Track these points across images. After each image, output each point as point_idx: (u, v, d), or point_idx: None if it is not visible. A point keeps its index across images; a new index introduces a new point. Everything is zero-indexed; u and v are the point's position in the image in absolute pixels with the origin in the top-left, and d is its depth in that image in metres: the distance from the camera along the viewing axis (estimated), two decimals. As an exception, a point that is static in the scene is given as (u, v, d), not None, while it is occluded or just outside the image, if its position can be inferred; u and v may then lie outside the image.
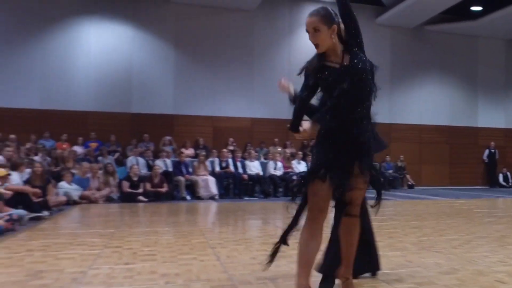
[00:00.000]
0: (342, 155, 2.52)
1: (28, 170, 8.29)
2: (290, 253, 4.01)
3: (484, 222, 6.69)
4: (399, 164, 15.62)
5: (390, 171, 15.26)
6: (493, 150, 16.77)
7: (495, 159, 16.76)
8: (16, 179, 7.53)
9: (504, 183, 16.58)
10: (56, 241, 4.84)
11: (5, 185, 6.65)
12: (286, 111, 15.39)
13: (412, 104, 16.52)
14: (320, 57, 2.63)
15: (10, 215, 5.85)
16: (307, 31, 2.58)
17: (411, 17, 15.55)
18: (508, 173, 16.85)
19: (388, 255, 4.01)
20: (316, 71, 2.61)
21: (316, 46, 2.59)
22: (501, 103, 17.57)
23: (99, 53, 13.85)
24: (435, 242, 4.74)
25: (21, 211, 6.30)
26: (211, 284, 3.02)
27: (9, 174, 7.06)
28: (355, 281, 3.05)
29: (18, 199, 6.73)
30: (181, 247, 4.40)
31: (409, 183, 15.57)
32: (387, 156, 15.39)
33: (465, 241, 4.86)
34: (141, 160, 11.65)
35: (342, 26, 2.63)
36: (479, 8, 15.63)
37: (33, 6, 13.31)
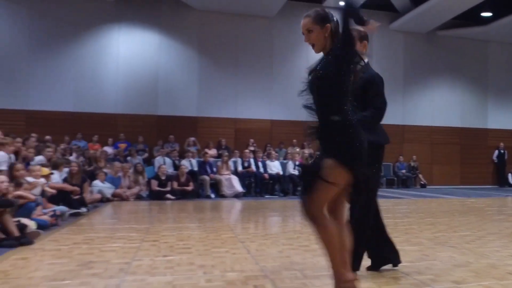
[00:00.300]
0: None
1: (65, 170, 8.50)
2: (314, 247, 4.19)
3: (495, 219, 6.78)
4: (412, 164, 15.65)
5: (403, 171, 15.30)
6: (502, 151, 16.64)
7: (504, 159, 16.63)
8: (57, 178, 7.77)
9: (513, 183, 16.48)
10: (98, 235, 5.07)
11: (48, 183, 6.90)
12: (304, 113, 15.42)
13: (424, 106, 16.48)
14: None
15: (54, 211, 6.11)
16: (303, 33, 2.57)
17: (423, 23, 15.54)
18: (517, 173, 16.75)
19: (405, 249, 4.10)
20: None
21: (312, 46, 2.56)
22: (511, 105, 17.38)
23: (127, 58, 14.08)
24: (449, 238, 4.84)
25: (62, 208, 6.53)
26: (245, 275, 3.17)
27: (51, 173, 7.33)
28: (377, 273, 3.22)
29: (59, 196, 6.96)
30: (212, 241, 4.58)
31: (422, 182, 15.59)
32: (400, 157, 15.44)
33: (477, 237, 4.95)
34: (167, 160, 11.85)
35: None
36: (489, 14, 15.51)
37: (67, 15, 13.57)
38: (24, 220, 5.03)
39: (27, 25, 13.33)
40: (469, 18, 15.60)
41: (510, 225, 5.97)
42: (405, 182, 15.20)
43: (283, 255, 3.85)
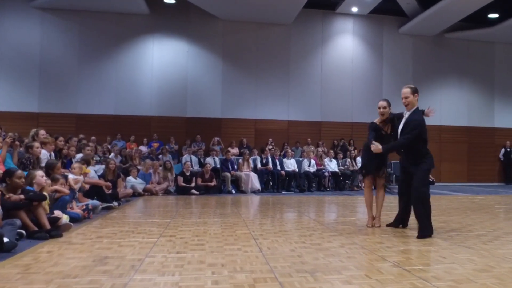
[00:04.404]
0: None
1: (102, 166, 8.42)
2: (326, 245, 3.75)
3: (508, 218, 6.08)
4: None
5: (413, 168, 14.60)
6: (508, 149, 15.70)
7: (510, 157, 15.69)
8: (92, 173, 7.58)
9: (520, 180, 15.48)
10: (122, 229, 4.78)
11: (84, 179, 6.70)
12: (317, 114, 15.11)
13: (433, 106, 15.65)
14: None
15: (86, 205, 5.90)
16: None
17: (431, 26, 14.81)
18: (524, 171, 15.74)
19: (421, 250, 3.62)
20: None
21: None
22: (517, 104, 16.44)
23: (160, 66, 14.07)
24: (464, 238, 4.27)
25: (95, 202, 6.35)
26: (254, 276, 2.77)
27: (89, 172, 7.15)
28: (394, 278, 2.76)
29: (93, 191, 6.80)
30: (227, 237, 4.20)
31: (430, 179, 14.77)
32: (410, 155, 14.73)
33: (493, 237, 4.37)
34: (194, 158, 11.60)
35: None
36: (495, 15, 14.60)
37: (109, 28, 13.76)
38: (58, 213, 4.80)
39: (77, 39, 13.63)
40: (476, 20, 14.76)
41: (524, 225, 5.34)
42: (414, 179, 14.46)
43: (295, 254, 3.41)
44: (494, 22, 14.88)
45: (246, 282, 2.63)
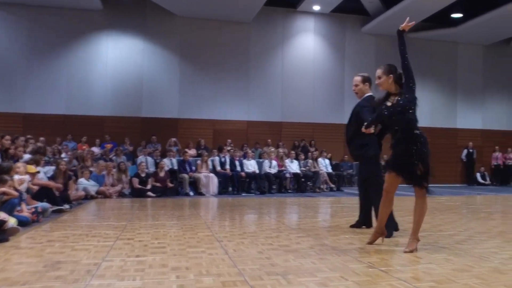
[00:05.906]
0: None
1: (52, 168, 8.28)
2: (295, 247, 3.80)
3: (477, 218, 6.23)
4: (383, 163, 15.38)
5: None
6: (471, 150, 16.51)
7: (473, 158, 16.49)
8: (41, 175, 7.39)
9: (482, 181, 16.29)
10: (74, 232, 4.63)
11: (31, 180, 6.47)
12: (278, 115, 15.26)
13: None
14: (385, 96, 3.79)
15: (35, 207, 5.72)
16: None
17: (394, 26, 15.13)
18: (485, 172, 16.55)
19: (395, 250, 3.66)
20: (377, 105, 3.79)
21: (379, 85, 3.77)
22: (479, 105, 17.27)
23: (114, 64, 13.86)
24: (437, 238, 4.35)
25: (45, 204, 6.19)
26: (222, 279, 2.71)
27: (38, 172, 6.91)
28: (371, 280, 2.84)
29: (43, 193, 6.63)
30: (189, 240, 4.15)
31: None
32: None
33: (466, 236, 4.47)
34: (149, 159, 11.46)
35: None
36: (459, 15, 15.20)
37: (60, 24, 13.46)
38: (4, 216, 4.58)
39: (25, 35, 13.30)
40: (440, 19, 15.30)
41: (496, 224, 5.53)
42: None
43: (263, 256, 3.38)
44: (457, 22, 15.49)
45: (214, 285, 2.59)
